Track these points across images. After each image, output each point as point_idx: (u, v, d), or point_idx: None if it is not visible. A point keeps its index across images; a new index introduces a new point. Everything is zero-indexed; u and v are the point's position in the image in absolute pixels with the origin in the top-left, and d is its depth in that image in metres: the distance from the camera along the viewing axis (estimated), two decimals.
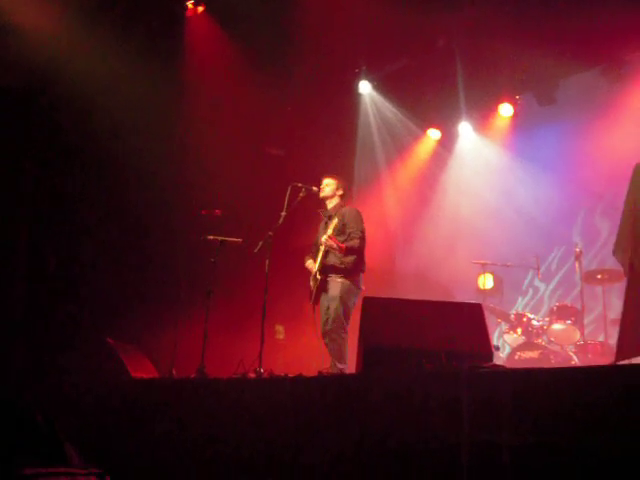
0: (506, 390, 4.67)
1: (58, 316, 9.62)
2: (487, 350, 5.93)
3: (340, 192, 8.65)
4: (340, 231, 8.26)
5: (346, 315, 8.19)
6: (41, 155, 9.82)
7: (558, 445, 4.27)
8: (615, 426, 4.13)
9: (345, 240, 8.22)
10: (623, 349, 5.55)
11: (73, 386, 7.80)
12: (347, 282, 8.21)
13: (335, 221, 8.27)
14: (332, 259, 8.28)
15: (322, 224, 8.69)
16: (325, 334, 8.26)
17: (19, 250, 9.64)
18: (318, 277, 8.35)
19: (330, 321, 8.12)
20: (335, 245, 8.14)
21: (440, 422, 4.85)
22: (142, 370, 8.40)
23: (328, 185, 8.60)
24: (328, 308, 8.26)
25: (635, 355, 5.36)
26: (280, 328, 10.87)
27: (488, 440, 4.53)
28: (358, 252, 8.33)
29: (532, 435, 4.38)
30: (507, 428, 4.48)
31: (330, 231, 8.20)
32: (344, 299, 8.15)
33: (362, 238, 8.34)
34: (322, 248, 8.33)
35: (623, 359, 5.44)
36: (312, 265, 8.52)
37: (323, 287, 8.35)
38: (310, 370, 7.74)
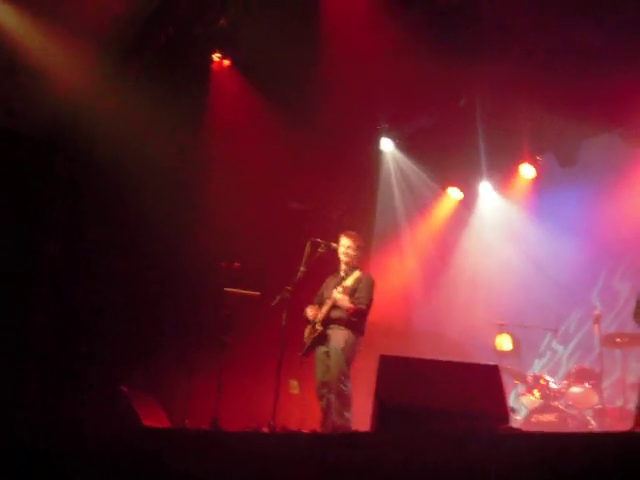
0: (522, 453, 4.61)
1: (72, 363, 9.63)
2: (503, 412, 5.87)
3: (358, 251, 8.63)
4: (350, 294, 8.26)
5: (349, 367, 8.17)
6: (64, 203, 9.91)
7: None
8: None
9: (353, 303, 8.22)
10: None
11: (85, 434, 7.78)
12: (352, 336, 8.21)
13: (349, 283, 8.27)
14: (338, 313, 8.28)
15: (332, 278, 8.70)
16: (324, 385, 8.22)
17: (39, 294, 9.70)
18: (318, 328, 8.33)
19: (335, 372, 8.08)
20: (346, 303, 8.14)
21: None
22: (155, 419, 8.36)
23: (349, 248, 8.53)
24: (327, 357, 8.25)
25: None
26: (295, 383, 10.80)
27: None
28: (363, 317, 8.35)
29: None
30: None
31: (341, 289, 8.20)
32: (347, 351, 8.15)
33: (369, 306, 8.36)
34: (329, 302, 8.32)
35: None
36: (312, 314, 8.49)
37: (321, 339, 8.34)
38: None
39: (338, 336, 8.22)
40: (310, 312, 8.52)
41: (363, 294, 8.32)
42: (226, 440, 6.95)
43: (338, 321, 8.27)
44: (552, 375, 10.80)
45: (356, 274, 8.38)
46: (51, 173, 9.86)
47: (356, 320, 8.25)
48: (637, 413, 5.68)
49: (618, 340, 10.05)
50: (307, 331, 8.53)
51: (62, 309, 9.86)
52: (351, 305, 8.15)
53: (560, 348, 11.91)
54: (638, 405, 5.77)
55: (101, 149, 9.84)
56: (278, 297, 8.32)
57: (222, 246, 10.20)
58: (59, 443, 7.01)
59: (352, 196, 11.96)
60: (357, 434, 6.84)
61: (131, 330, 9.99)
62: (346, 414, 7.90)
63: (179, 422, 8.47)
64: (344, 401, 8.01)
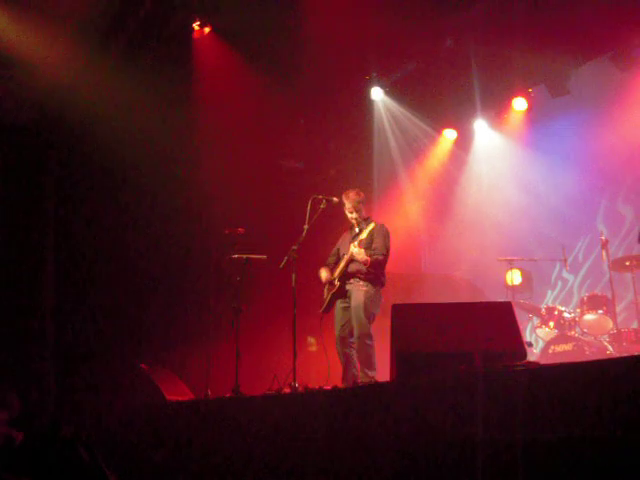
0: (527, 387, 4.67)
1: (90, 343, 9.69)
2: (520, 348, 5.91)
3: (361, 205, 8.56)
4: (367, 246, 8.24)
5: (370, 322, 8.17)
6: (59, 188, 9.90)
7: (582, 440, 4.25)
8: None
9: (370, 255, 8.20)
10: None
11: (109, 413, 7.85)
12: (371, 290, 8.19)
13: (364, 235, 8.22)
14: (355, 267, 8.26)
15: (346, 235, 8.69)
16: (342, 340, 8.29)
17: (47, 277, 9.73)
18: (336, 283, 8.34)
19: (357, 330, 8.11)
20: (363, 256, 8.12)
21: (467, 422, 4.84)
22: (177, 393, 8.44)
23: (352, 207, 8.46)
24: (345, 311, 8.28)
25: None
26: (312, 340, 10.88)
27: (509, 438, 4.52)
28: (381, 267, 8.32)
29: (554, 431, 4.37)
30: (532, 425, 4.48)
31: (357, 243, 8.16)
32: (368, 306, 8.10)
33: (385, 255, 8.31)
34: (346, 257, 8.32)
35: None
36: (327, 276, 8.52)
37: (340, 294, 8.35)
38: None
39: (358, 292, 8.19)
40: (324, 275, 8.56)
41: (379, 244, 8.27)
42: (250, 405, 7.03)
43: (356, 274, 8.24)
44: (565, 305, 10.86)
45: (371, 226, 8.32)
46: (42, 161, 9.85)
47: (374, 272, 8.23)
48: None
49: (627, 264, 10.03)
50: (326, 288, 8.57)
51: (71, 291, 9.88)
52: (367, 257, 8.13)
53: (570, 277, 11.94)
54: None
55: (91, 132, 9.79)
56: (285, 258, 8.31)
57: (224, 214, 10.21)
58: (83, 425, 7.10)
59: (348, 148, 11.92)
60: (376, 385, 6.90)
61: (142, 307, 10.03)
62: (369, 372, 7.89)
63: (201, 393, 8.53)
64: (367, 358, 8.03)
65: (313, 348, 10.88)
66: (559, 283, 12.11)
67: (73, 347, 9.67)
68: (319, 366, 9.95)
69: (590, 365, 4.92)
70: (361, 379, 7.90)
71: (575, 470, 4.29)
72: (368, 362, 8.01)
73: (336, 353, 8.46)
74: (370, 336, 8.09)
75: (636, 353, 7.34)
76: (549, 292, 12.12)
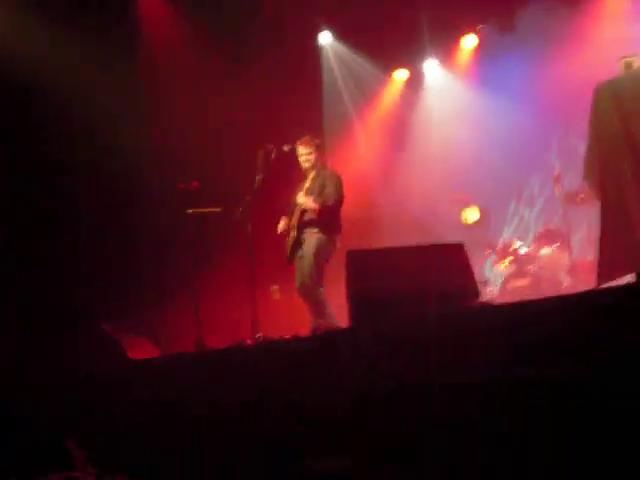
0: (479, 328, 4.74)
1: (50, 304, 9.60)
2: (472, 289, 5.99)
3: (317, 152, 8.63)
4: (318, 193, 8.27)
5: (319, 270, 8.25)
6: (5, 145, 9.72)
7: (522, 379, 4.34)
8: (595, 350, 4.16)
9: (322, 202, 8.23)
10: (603, 273, 5.62)
11: (70, 373, 7.83)
12: (324, 237, 8.26)
13: (308, 184, 8.26)
14: (309, 215, 8.32)
15: (301, 185, 8.71)
16: (299, 290, 8.37)
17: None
18: (293, 235, 8.40)
19: (307, 279, 8.20)
20: (310, 204, 8.16)
21: (417, 364, 4.90)
22: (141, 351, 8.44)
23: (308, 154, 8.53)
24: (301, 260, 8.35)
25: (614, 277, 5.42)
26: (276, 288, 10.94)
27: (458, 380, 4.59)
28: (333, 212, 8.36)
29: (508, 371, 4.44)
30: (487, 366, 4.54)
31: (302, 192, 8.21)
32: (317, 254, 8.21)
33: (337, 201, 8.33)
34: (297, 208, 8.35)
35: (605, 282, 5.50)
36: (284, 225, 8.55)
37: (297, 244, 8.42)
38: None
39: (310, 241, 8.29)
40: (281, 226, 8.60)
41: (330, 191, 8.31)
42: (212, 358, 7.06)
43: (311, 223, 8.32)
44: (522, 240, 10.96)
45: (312, 174, 8.37)
46: None
47: (326, 218, 8.29)
48: (599, 269, 5.81)
49: (581, 196, 10.12)
50: (288, 239, 8.64)
51: (29, 252, 9.76)
52: (315, 205, 8.19)
53: (527, 212, 12.02)
54: (599, 261, 5.89)
55: (39, 90, 9.59)
56: (240, 209, 8.33)
57: (178, 168, 10.12)
58: (43, 388, 7.09)
59: (298, 95, 11.79)
60: (334, 333, 6.96)
61: (99, 266, 9.93)
62: (319, 320, 8.03)
63: (165, 350, 8.55)
64: (316, 306, 8.18)
65: (277, 296, 10.95)
66: (516, 218, 12.19)
67: (34, 310, 9.59)
68: (283, 314, 10.04)
69: (540, 302, 4.99)
70: (315, 323, 8.01)
71: (531, 410, 4.37)
72: (317, 310, 8.14)
73: (297, 301, 8.56)
74: (319, 283, 8.20)
75: (591, 285, 7.43)
76: (506, 228, 12.20)
